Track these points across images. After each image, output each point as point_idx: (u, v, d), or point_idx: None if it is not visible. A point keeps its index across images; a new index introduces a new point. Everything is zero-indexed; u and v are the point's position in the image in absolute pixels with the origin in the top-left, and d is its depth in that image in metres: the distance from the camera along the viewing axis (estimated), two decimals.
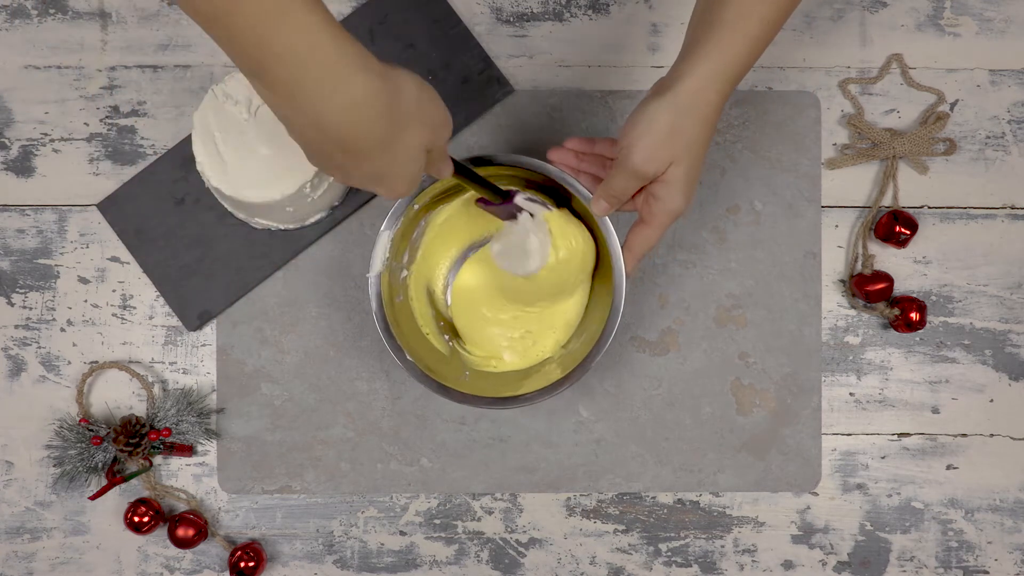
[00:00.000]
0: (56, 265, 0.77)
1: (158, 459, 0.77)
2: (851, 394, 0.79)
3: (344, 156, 0.49)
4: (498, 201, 0.65)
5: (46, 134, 0.77)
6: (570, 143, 0.67)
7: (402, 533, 0.78)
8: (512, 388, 0.69)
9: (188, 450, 0.76)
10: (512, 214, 0.66)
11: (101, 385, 0.78)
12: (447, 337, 0.74)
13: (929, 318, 0.79)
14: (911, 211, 0.79)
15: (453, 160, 0.58)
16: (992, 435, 0.79)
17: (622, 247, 0.65)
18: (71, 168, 0.77)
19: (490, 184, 0.63)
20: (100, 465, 0.76)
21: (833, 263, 0.79)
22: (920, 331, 0.78)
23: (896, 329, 0.77)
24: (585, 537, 0.79)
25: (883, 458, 0.79)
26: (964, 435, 0.79)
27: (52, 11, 0.77)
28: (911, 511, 0.79)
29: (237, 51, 0.45)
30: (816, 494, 0.79)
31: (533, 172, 0.67)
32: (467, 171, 0.61)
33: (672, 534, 0.79)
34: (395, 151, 0.50)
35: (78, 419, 0.76)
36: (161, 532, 0.77)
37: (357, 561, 0.78)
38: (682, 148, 0.58)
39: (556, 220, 0.66)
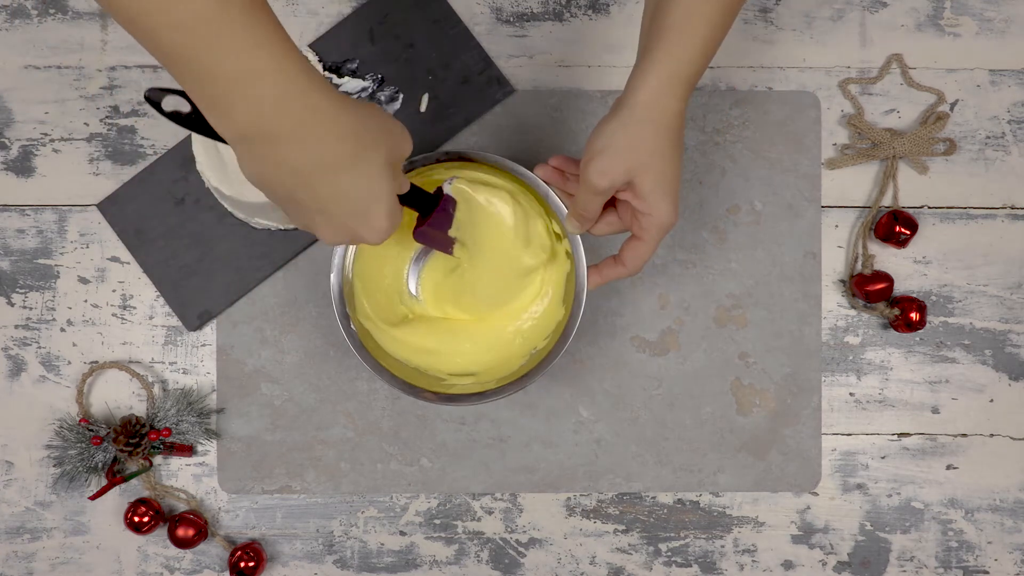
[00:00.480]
0: (56, 265, 0.77)
1: (158, 459, 0.77)
2: (851, 394, 0.79)
3: (308, 186, 0.49)
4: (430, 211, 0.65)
5: (46, 134, 0.77)
6: (554, 161, 0.67)
7: (402, 533, 0.78)
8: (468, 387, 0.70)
9: (188, 450, 0.76)
10: (449, 245, 0.67)
11: (101, 385, 0.78)
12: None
13: (929, 318, 0.79)
14: (911, 211, 0.79)
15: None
16: (992, 435, 0.79)
17: (617, 258, 0.64)
18: (71, 168, 0.78)
19: (429, 200, 0.64)
20: (100, 465, 0.76)
21: (833, 263, 0.79)
22: (920, 331, 0.78)
23: (896, 329, 0.77)
24: (585, 537, 0.79)
25: (883, 458, 0.79)
26: (964, 435, 0.79)
27: (52, 11, 0.77)
28: (911, 511, 0.79)
29: (201, 83, 0.46)
30: (816, 494, 0.79)
31: (516, 179, 0.67)
32: (416, 192, 0.62)
33: (672, 534, 0.79)
34: (366, 169, 0.50)
35: (78, 419, 0.76)
36: (161, 532, 0.77)
37: (357, 561, 0.78)
38: (645, 158, 0.58)
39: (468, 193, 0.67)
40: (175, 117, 0.53)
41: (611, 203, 0.64)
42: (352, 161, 0.50)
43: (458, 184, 0.66)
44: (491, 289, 0.70)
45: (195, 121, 0.53)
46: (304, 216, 0.52)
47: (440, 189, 0.65)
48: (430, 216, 0.64)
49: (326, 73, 0.76)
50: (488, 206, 0.67)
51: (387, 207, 0.53)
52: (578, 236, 0.66)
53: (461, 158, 0.67)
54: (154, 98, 0.52)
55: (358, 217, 0.52)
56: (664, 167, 0.58)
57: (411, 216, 0.66)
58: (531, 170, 0.67)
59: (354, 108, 0.50)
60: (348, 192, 0.51)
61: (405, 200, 0.61)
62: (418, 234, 0.65)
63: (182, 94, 0.52)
